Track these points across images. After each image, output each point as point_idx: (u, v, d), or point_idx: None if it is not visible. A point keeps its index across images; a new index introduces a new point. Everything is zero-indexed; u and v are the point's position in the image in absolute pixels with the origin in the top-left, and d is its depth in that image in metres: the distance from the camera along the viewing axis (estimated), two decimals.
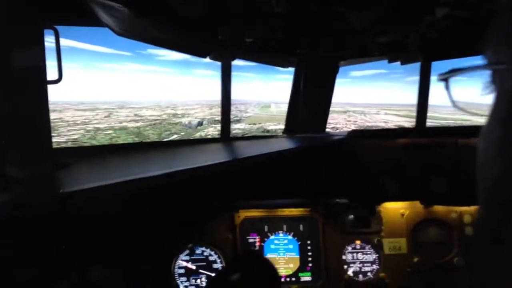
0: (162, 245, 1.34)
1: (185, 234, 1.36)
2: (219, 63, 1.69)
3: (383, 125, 21.78)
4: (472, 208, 1.40)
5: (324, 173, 1.40)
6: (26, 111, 0.96)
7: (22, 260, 0.86)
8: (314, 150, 1.45)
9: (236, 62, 1.69)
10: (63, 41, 1.06)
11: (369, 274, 1.39)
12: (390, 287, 1.36)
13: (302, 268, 1.38)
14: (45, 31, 0.97)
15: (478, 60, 0.42)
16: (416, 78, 1.91)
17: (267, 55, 1.68)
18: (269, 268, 0.95)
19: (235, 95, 1.80)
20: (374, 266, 1.39)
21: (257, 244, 1.39)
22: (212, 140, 1.87)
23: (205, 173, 1.19)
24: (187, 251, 1.35)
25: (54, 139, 1.08)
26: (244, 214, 1.38)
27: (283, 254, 1.39)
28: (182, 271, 1.35)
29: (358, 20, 1.13)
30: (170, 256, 1.34)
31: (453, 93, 0.42)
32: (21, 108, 0.95)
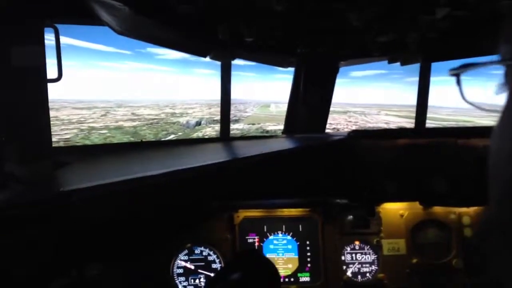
0: (161, 244, 1.33)
1: (184, 234, 1.35)
2: (218, 63, 1.69)
3: (384, 126, 21.76)
4: (472, 209, 1.40)
5: (323, 173, 1.40)
6: (26, 110, 0.96)
7: (21, 258, 0.86)
8: (313, 150, 1.45)
9: (236, 62, 1.69)
10: (62, 39, 1.06)
11: (368, 275, 1.39)
12: None
13: (301, 268, 1.38)
14: (45, 29, 0.97)
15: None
16: (416, 79, 1.91)
17: (267, 54, 1.68)
18: (269, 266, 0.95)
19: (234, 94, 1.80)
20: (373, 267, 1.39)
21: (256, 244, 1.39)
22: (212, 140, 1.87)
23: (205, 172, 1.19)
24: (186, 251, 1.35)
25: None
26: (243, 214, 1.38)
27: (282, 254, 1.39)
28: (181, 271, 1.35)
29: (358, 18, 1.13)
30: (169, 256, 1.34)
31: (464, 89, 0.42)
32: (21, 106, 0.95)
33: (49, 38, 1.00)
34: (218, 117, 1.86)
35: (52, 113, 1.05)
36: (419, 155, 1.30)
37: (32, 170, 0.98)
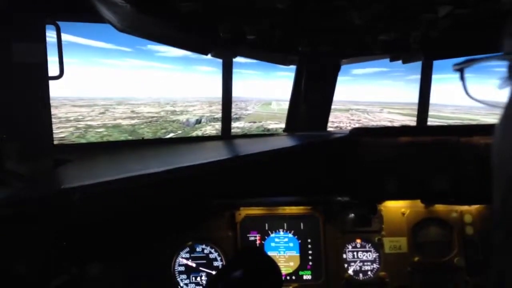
0: (163, 242, 1.33)
1: (186, 232, 1.35)
2: (220, 60, 1.68)
3: (387, 124, 21.59)
4: (473, 207, 1.40)
5: (325, 171, 1.39)
6: (27, 107, 0.96)
7: (22, 255, 0.86)
8: (315, 148, 1.45)
9: (237, 59, 1.68)
10: (63, 37, 1.06)
11: (369, 273, 1.39)
12: (390, 286, 1.37)
13: (302, 266, 1.38)
14: (46, 26, 0.97)
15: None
16: (417, 77, 1.90)
17: (269, 52, 1.67)
18: (271, 264, 0.95)
19: (235, 92, 1.79)
20: (375, 265, 1.39)
21: (258, 242, 1.39)
22: (213, 138, 1.87)
23: (206, 170, 1.18)
24: (187, 249, 1.35)
25: None
26: (244, 212, 1.38)
27: (283, 252, 1.39)
28: (182, 268, 1.35)
29: (359, 17, 1.12)
30: (170, 254, 1.34)
31: (468, 84, 0.42)
32: (22, 104, 0.95)
33: (50, 36, 1.00)
34: (218, 115, 1.85)
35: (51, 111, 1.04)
36: (420, 153, 1.30)
37: (33, 167, 0.98)
